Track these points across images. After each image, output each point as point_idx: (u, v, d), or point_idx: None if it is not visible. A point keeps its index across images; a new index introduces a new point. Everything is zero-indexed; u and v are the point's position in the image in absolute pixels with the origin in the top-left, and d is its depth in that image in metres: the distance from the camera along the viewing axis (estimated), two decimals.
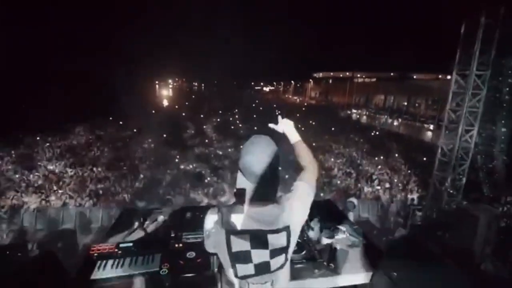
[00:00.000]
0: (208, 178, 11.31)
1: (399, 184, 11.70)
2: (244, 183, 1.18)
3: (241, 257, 1.14)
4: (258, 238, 1.13)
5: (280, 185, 1.25)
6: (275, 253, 1.15)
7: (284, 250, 1.17)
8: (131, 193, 10.20)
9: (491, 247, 4.63)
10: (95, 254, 1.80)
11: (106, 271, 1.68)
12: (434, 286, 1.62)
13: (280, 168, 1.25)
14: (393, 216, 9.19)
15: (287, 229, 1.16)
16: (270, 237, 1.14)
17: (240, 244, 1.13)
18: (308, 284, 1.78)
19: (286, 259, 1.21)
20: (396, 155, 15.91)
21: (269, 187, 1.18)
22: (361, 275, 1.91)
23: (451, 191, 7.59)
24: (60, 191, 9.80)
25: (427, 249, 1.95)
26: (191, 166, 12.98)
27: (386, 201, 10.12)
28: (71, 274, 1.67)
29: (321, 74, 49.97)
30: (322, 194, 10.61)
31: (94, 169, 11.92)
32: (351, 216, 9.27)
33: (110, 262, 1.75)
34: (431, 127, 21.23)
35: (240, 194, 1.19)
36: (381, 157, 15.64)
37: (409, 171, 13.14)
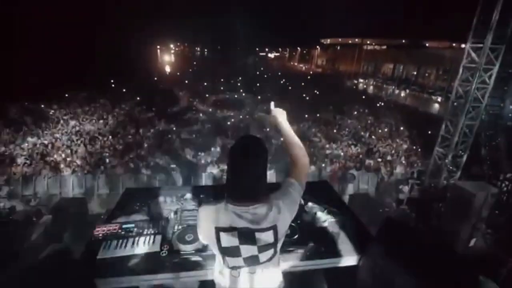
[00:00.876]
0: (212, 149, 11.45)
1: (402, 157, 11.75)
2: (233, 182, 1.21)
3: (231, 251, 1.21)
4: (246, 235, 1.19)
5: (268, 182, 1.28)
6: (263, 248, 1.22)
7: (272, 245, 1.24)
8: (137, 161, 10.43)
9: (484, 224, 4.77)
10: (100, 235, 1.92)
11: (110, 251, 1.80)
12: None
13: (268, 168, 1.27)
14: (392, 189, 9.38)
15: (274, 227, 1.21)
16: (258, 234, 1.19)
17: (229, 240, 1.20)
18: (298, 266, 1.89)
19: (275, 252, 1.28)
20: (401, 128, 15.76)
21: (257, 187, 1.21)
22: (351, 258, 2.00)
23: (451, 167, 7.64)
24: (68, 159, 10.08)
25: (418, 235, 2.02)
26: (194, 136, 13.11)
27: (386, 174, 10.25)
28: (78, 253, 1.79)
29: (328, 41, 47.74)
30: (323, 165, 10.74)
31: (100, 137, 12.11)
32: (350, 187, 9.47)
33: (114, 242, 1.87)
34: (439, 99, 20.69)
35: (229, 193, 1.23)
36: (385, 129, 15.54)
37: (412, 145, 13.11)
